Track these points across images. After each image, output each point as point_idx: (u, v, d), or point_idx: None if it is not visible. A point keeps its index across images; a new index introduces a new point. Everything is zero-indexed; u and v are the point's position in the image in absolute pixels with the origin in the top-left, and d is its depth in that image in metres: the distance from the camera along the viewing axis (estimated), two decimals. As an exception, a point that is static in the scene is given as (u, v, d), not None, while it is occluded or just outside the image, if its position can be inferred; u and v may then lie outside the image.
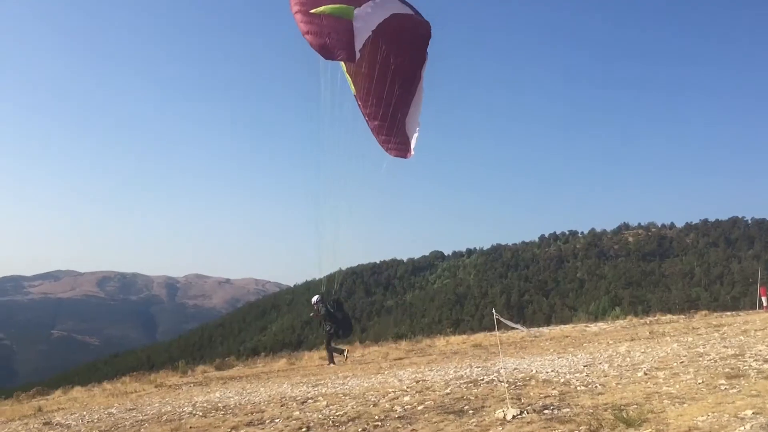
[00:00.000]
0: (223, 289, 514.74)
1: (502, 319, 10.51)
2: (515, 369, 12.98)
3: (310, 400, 11.97)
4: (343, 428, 9.07)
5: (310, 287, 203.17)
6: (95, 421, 13.02)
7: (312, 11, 5.32)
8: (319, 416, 10.17)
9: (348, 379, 14.87)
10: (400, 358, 19.87)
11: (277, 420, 10.32)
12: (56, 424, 13.28)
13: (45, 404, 18.01)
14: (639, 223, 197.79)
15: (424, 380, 12.78)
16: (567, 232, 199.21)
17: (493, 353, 17.50)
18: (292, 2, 5.58)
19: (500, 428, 7.89)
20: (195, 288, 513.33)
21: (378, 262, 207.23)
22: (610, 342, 17.42)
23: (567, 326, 25.18)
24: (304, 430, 9.30)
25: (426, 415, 9.19)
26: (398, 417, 9.34)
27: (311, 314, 18.49)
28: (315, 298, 18.28)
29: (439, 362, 16.91)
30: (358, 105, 7.51)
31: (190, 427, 10.63)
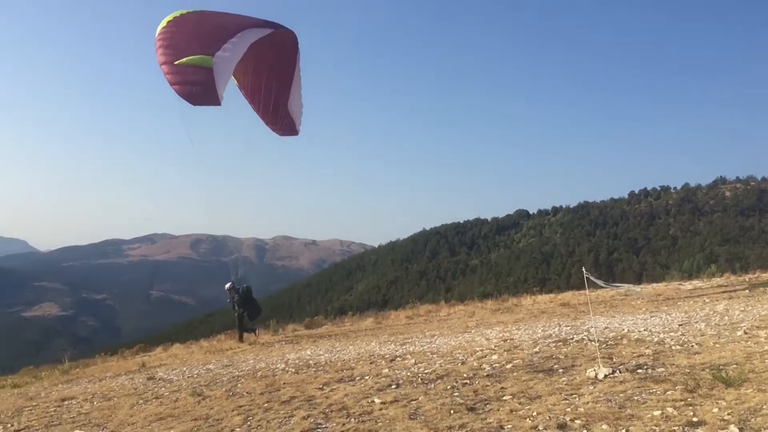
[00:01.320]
0: (309, 250, 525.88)
1: (591, 278, 10.28)
2: (606, 328, 12.72)
3: (398, 358, 12.13)
4: (432, 386, 9.16)
5: (394, 247, 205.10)
6: (195, 376, 13.65)
7: (176, 63, 5.72)
8: (408, 374, 10.30)
9: (435, 338, 14.96)
10: (487, 318, 19.83)
11: (366, 377, 10.52)
12: (159, 379, 14.01)
13: (148, 360, 19.00)
14: (737, 177, 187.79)
15: (512, 339, 12.72)
16: (658, 188, 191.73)
17: (582, 312, 17.20)
18: (158, 54, 6.05)
19: (592, 387, 7.78)
20: (282, 249, 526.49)
21: (462, 221, 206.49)
22: (707, 300, 16.79)
23: (659, 284, 24.37)
24: (393, 386, 9.45)
25: (515, 374, 9.17)
26: (487, 375, 9.35)
27: (227, 299, 20.19)
28: (227, 285, 19.83)
29: (526, 321, 16.77)
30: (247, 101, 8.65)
31: (284, 383, 10.98)
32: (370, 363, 11.99)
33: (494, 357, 10.74)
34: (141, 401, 11.42)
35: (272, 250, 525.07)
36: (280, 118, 7.97)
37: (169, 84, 5.92)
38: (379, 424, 7.53)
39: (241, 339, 20.15)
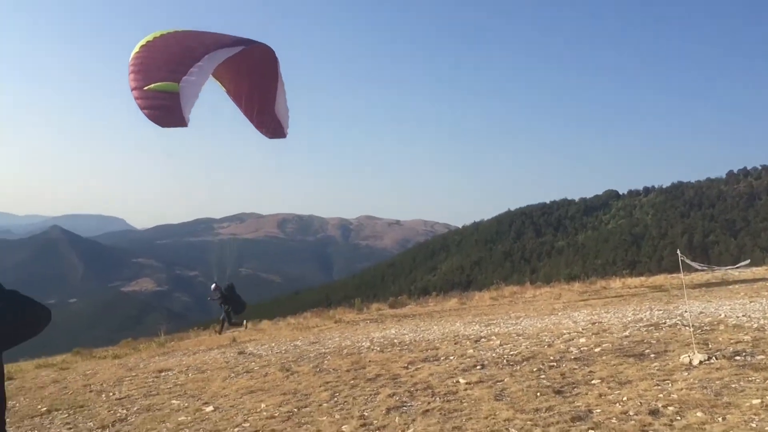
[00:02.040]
0: (393, 230, 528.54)
1: (686, 260, 9.88)
2: (701, 313, 12.23)
3: (483, 339, 12.08)
4: (518, 367, 9.08)
5: (479, 228, 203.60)
6: (283, 352, 14.02)
7: (145, 88, 6.12)
8: (493, 355, 10.24)
9: (520, 319, 14.79)
10: (573, 300, 19.45)
11: (451, 357, 10.53)
12: (249, 354, 14.47)
13: (238, 336, 19.64)
14: None
15: (600, 322, 12.42)
16: (759, 167, 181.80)
17: (675, 296, 16.61)
18: (130, 79, 6.43)
19: (686, 374, 7.51)
20: (367, 229, 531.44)
21: (548, 202, 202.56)
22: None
23: (759, 268, 23.22)
24: (478, 367, 9.42)
25: (603, 358, 8.96)
26: (574, 358, 9.19)
27: (208, 298, 21.63)
28: (213, 286, 21.23)
29: (615, 305, 16.34)
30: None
31: (369, 361, 11.13)
32: (455, 343, 11.99)
33: (582, 340, 10.53)
34: (232, 374, 11.84)
35: (356, 230, 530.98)
36: (267, 123, 8.47)
37: (139, 108, 6.41)
38: (465, 404, 7.52)
39: (220, 332, 21.37)
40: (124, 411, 10.03)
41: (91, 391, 12.18)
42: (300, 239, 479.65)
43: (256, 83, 8.12)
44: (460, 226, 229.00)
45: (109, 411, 10.17)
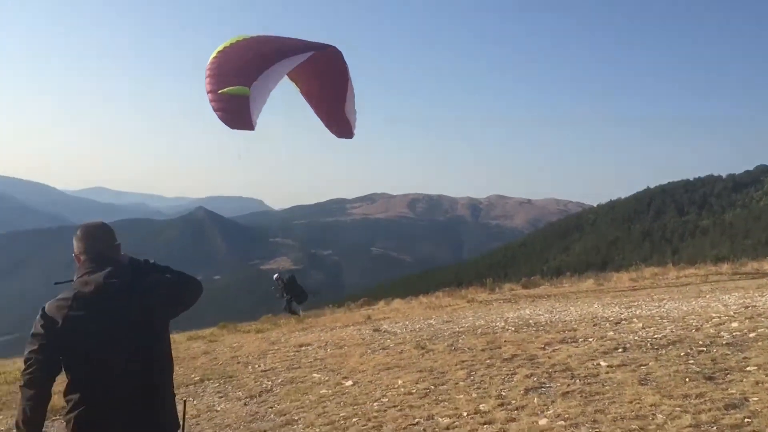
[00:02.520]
0: (523, 209, 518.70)
1: None
2: None
3: (623, 321, 11.64)
4: (663, 351, 8.69)
5: (614, 206, 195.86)
6: (417, 330, 14.18)
7: (219, 91, 6.56)
8: (635, 338, 9.86)
9: (664, 302, 14.09)
10: (722, 282, 18.31)
11: (590, 339, 10.23)
12: (384, 331, 14.75)
13: (372, 313, 20.08)
14: None
15: (755, 306, 11.60)
16: None
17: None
18: (206, 83, 6.84)
19: None
20: (497, 208, 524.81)
21: (691, 179, 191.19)
22: None
23: None
24: (620, 350, 9.11)
25: (759, 344, 8.40)
26: (726, 344, 8.66)
27: (272, 288, 22.16)
28: (275, 276, 21.33)
29: (770, 287, 15.20)
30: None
31: (504, 341, 11.03)
32: (594, 325, 11.63)
33: (734, 324, 9.89)
34: (369, 351, 12.12)
35: (486, 209, 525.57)
36: (336, 123, 8.86)
37: (212, 110, 6.89)
38: (606, 387, 7.31)
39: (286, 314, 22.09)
40: (269, 382, 10.56)
41: (238, 363, 12.90)
42: (429, 219, 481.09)
43: (327, 85, 8.61)
44: (595, 205, 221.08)
45: (256, 382, 10.75)
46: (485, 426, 6.67)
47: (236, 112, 6.79)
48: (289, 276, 21.43)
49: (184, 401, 4.50)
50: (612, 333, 10.53)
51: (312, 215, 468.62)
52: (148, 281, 3.56)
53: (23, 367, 3.44)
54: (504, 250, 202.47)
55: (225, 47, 7.27)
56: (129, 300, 3.41)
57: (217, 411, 9.19)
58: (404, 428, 7.04)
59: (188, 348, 16.11)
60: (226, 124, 6.91)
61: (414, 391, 8.41)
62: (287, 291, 21.40)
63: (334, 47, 8.35)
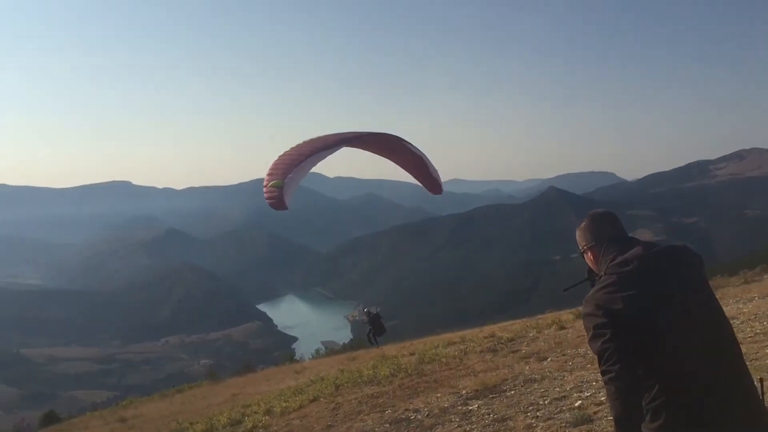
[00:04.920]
0: None
1: None
2: None
3: None
4: None
5: None
6: None
7: (268, 185, 8.23)
8: None
9: None
10: None
11: None
12: None
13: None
14: None
15: None
16: None
17: None
18: (265, 180, 8.34)
19: None
20: None
21: None
22: None
23: None
24: None
25: None
26: None
27: (364, 317, 26.73)
28: (364, 311, 26.31)
29: None
30: None
31: None
32: None
33: None
34: None
35: None
36: (428, 183, 9.59)
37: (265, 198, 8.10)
38: None
39: (371, 342, 25.66)
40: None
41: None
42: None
43: (405, 154, 9.24)
44: None
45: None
46: None
47: (276, 199, 8.11)
48: (375, 312, 26.45)
49: (760, 378, 3.55)
50: None
51: (670, 182, 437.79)
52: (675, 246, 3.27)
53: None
54: None
55: (286, 152, 8.52)
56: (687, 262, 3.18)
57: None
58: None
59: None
60: (272, 207, 8.20)
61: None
62: (370, 323, 25.92)
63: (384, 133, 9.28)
